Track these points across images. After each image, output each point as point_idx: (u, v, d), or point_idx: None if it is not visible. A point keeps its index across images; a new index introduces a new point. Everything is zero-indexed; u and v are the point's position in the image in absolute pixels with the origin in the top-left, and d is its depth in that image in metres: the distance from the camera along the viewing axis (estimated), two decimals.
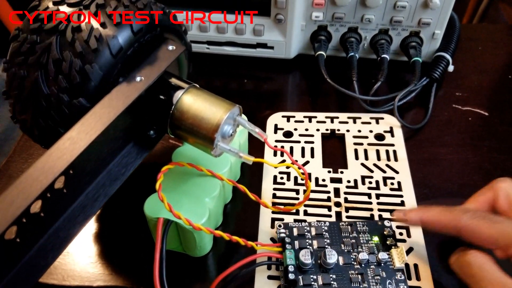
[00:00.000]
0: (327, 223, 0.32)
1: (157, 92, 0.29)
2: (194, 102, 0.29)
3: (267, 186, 0.36)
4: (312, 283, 0.29)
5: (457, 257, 0.27)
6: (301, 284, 0.29)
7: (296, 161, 0.35)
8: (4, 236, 0.21)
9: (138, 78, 0.28)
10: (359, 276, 0.29)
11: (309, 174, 0.36)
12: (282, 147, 0.39)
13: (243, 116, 0.32)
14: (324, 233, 0.31)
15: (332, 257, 0.29)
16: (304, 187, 0.35)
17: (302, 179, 0.36)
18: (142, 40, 0.29)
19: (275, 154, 0.38)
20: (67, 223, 0.26)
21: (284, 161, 0.38)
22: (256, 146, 0.37)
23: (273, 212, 0.34)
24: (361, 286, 0.28)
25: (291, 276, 0.28)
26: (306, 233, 0.31)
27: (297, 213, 0.34)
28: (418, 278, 0.29)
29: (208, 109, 0.28)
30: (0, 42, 0.46)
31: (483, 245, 0.26)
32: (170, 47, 0.31)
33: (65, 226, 0.25)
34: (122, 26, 0.28)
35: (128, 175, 0.30)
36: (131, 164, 0.30)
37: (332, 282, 0.29)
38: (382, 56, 0.43)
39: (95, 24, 0.27)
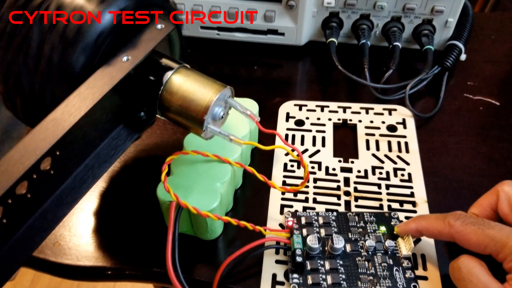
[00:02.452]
0: (335, 213, 0.32)
1: (146, 73, 0.29)
2: (184, 83, 0.28)
3: (277, 173, 0.36)
4: (319, 267, 0.29)
5: (451, 264, 0.28)
6: (309, 268, 0.29)
7: (303, 151, 0.35)
8: None
9: (124, 58, 0.27)
10: (366, 263, 0.29)
11: (320, 163, 0.37)
12: (293, 136, 0.39)
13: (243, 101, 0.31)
14: (331, 222, 0.32)
15: (340, 242, 0.29)
16: (313, 176, 0.36)
17: (303, 169, 0.36)
18: (128, 21, 0.28)
19: (287, 139, 0.39)
20: (55, 204, 0.26)
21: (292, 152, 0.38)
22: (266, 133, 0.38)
23: (282, 199, 0.35)
24: (368, 272, 0.29)
25: (299, 259, 0.29)
26: (313, 222, 0.32)
27: (306, 200, 0.34)
28: (425, 268, 0.30)
29: (197, 90, 0.28)
30: None
31: (474, 250, 0.27)
32: (159, 26, 0.29)
33: (53, 208, 0.26)
34: (103, 8, 0.27)
35: (118, 158, 0.30)
36: (121, 146, 0.30)
37: (339, 267, 0.29)
38: (394, 44, 0.43)
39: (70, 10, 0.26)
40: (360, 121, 0.40)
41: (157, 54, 0.29)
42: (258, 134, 0.38)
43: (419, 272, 0.30)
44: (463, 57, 0.44)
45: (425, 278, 0.29)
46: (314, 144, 0.38)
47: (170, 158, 0.31)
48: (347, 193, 0.35)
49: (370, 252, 0.30)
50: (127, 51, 0.28)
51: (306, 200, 0.34)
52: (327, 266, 0.29)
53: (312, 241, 0.29)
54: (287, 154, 0.38)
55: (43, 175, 0.24)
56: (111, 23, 0.27)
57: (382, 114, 0.40)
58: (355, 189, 0.35)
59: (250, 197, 0.36)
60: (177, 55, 0.35)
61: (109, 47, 0.28)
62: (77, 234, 0.34)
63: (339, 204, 0.34)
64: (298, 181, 0.36)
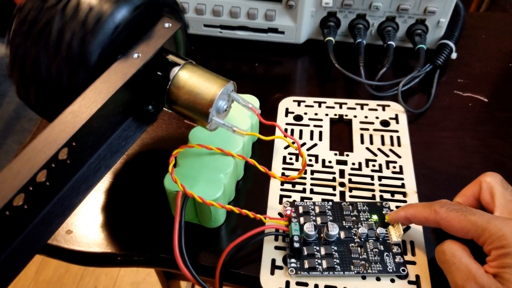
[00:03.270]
0: (330, 203, 0.34)
1: (154, 68, 0.30)
2: (190, 78, 0.30)
3: (277, 165, 0.38)
4: (315, 253, 0.31)
5: (437, 247, 0.30)
6: (305, 253, 0.31)
7: (301, 144, 0.37)
8: (13, 202, 0.23)
9: (135, 55, 0.29)
10: (359, 248, 0.32)
11: (317, 156, 0.39)
12: (292, 131, 0.41)
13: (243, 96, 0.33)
14: (327, 211, 0.34)
15: (334, 229, 0.32)
16: (311, 168, 0.38)
17: (300, 157, 0.39)
18: (140, 18, 0.30)
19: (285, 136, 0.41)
20: (71, 192, 0.28)
21: (293, 144, 0.40)
22: (267, 127, 0.40)
23: (281, 189, 0.37)
24: (360, 257, 0.31)
25: (296, 244, 0.31)
26: (310, 211, 0.34)
27: (303, 191, 0.37)
28: (413, 254, 0.32)
29: (203, 84, 0.30)
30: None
31: (458, 235, 0.29)
32: (167, 25, 0.32)
33: (69, 195, 0.27)
34: (121, 3, 0.29)
35: (128, 148, 0.32)
36: (131, 137, 0.32)
37: (333, 253, 0.31)
38: (389, 43, 0.45)
39: (93, 1, 0.28)
40: (355, 116, 0.42)
41: (164, 51, 0.31)
42: (258, 128, 0.40)
43: (408, 257, 0.32)
44: (454, 55, 0.46)
45: (413, 263, 0.32)
46: (311, 138, 0.40)
47: (177, 151, 0.33)
48: (342, 184, 0.37)
49: (362, 239, 0.32)
50: (138, 48, 0.30)
51: (304, 190, 0.37)
52: (323, 251, 0.31)
53: (308, 228, 0.31)
54: (286, 147, 0.40)
55: (60, 165, 0.26)
56: (127, 17, 0.29)
57: (376, 110, 0.42)
58: (350, 181, 0.37)
59: (251, 188, 0.38)
60: (182, 52, 0.37)
61: (123, 39, 0.30)
62: (88, 222, 0.36)
63: (334, 195, 0.36)
64: (296, 173, 0.38)
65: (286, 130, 0.41)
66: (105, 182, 0.39)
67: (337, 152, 0.39)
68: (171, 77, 0.30)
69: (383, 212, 0.34)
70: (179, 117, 0.43)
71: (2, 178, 0.23)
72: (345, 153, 0.39)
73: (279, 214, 0.35)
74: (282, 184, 0.37)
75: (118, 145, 0.31)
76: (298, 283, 0.31)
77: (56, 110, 0.29)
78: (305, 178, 0.37)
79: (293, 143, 0.34)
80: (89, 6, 0.28)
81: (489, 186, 0.30)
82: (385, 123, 0.41)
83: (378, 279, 0.31)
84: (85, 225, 0.36)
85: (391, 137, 0.40)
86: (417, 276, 0.31)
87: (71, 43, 0.28)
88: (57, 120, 0.26)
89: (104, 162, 0.30)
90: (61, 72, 0.29)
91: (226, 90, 0.31)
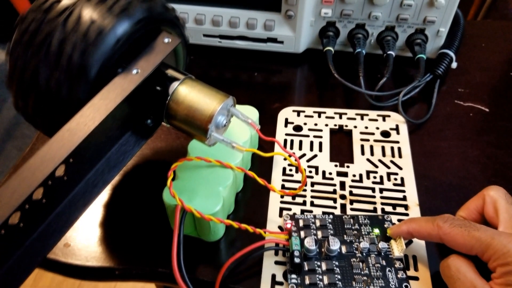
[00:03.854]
0: (331, 216, 0.34)
1: (153, 83, 0.30)
2: (189, 93, 0.30)
3: (276, 177, 0.38)
4: (316, 268, 0.31)
5: (441, 262, 0.29)
6: (306, 269, 0.31)
7: (294, 153, 0.37)
8: (8, 221, 0.23)
9: (134, 71, 0.29)
10: (361, 264, 0.31)
11: (317, 167, 0.39)
12: (291, 141, 0.41)
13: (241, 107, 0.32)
14: (328, 224, 0.33)
15: (335, 244, 0.31)
16: (311, 179, 0.38)
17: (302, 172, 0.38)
18: (141, 32, 0.30)
19: (284, 147, 0.41)
20: (68, 208, 0.27)
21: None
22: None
23: (281, 202, 0.36)
24: (362, 272, 0.31)
25: (297, 260, 0.31)
26: (311, 224, 0.33)
27: (304, 203, 0.36)
28: (416, 269, 0.32)
29: (202, 100, 0.30)
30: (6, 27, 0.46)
31: (461, 251, 0.28)
32: (166, 40, 0.31)
33: (66, 211, 0.27)
34: (122, 17, 0.29)
35: (126, 163, 0.32)
36: (130, 152, 0.32)
37: (335, 268, 0.31)
38: (388, 52, 0.45)
39: (95, 15, 0.28)
40: (355, 126, 0.42)
41: (164, 65, 0.31)
42: (258, 140, 0.40)
43: (411, 272, 0.32)
44: (454, 65, 0.46)
45: (416, 278, 0.31)
46: (311, 149, 0.40)
47: (175, 165, 0.32)
48: (342, 197, 0.37)
49: (364, 253, 0.32)
50: (137, 64, 0.30)
51: (304, 203, 0.36)
52: (324, 267, 0.31)
53: (309, 243, 0.31)
54: (286, 159, 0.39)
55: (57, 181, 0.25)
56: (128, 31, 0.29)
57: (376, 120, 0.42)
58: (350, 193, 0.37)
59: (251, 200, 0.37)
60: (181, 66, 0.36)
61: (124, 52, 0.30)
62: (86, 235, 0.36)
63: (335, 207, 0.36)
64: (296, 185, 0.37)
65: (285, 140, 0.41)
66: (103, 194, 0.38)
67: (338, 164, 0.39)
68: (170, 92, 0.30)
69: (385, 225, 0.33)
70: None
71: None
72: (346, 164, 0.39)
73: (279, 227, 0.35)
74: (282, 196, 0.37)
75: (116, 160, 0.31)
76: None
77: (54, 122, 0.29)
78: (305, 190, 0.37)
79: (293, 158, 0.33)
80: (91, 19, 0.28)
81: (492, 200, 0.30)
82: (385, 133, 0.41)
83: None
84: (83, 238, 0.36)
85: (392, 148, 0.40)
86: None
87: (71, 55, 0.28)
88: (54, 138, 0.26)
89: (102, 177, 0.30)
90: (60, 84, 0.28)
91: (225, 105, 0.30)
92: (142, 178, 0.40)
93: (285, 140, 0.41)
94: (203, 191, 0.32)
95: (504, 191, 0.31)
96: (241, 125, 0.37)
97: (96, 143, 0.28)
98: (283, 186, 0.37)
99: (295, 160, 0.34)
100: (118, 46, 0.29)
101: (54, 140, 0.25)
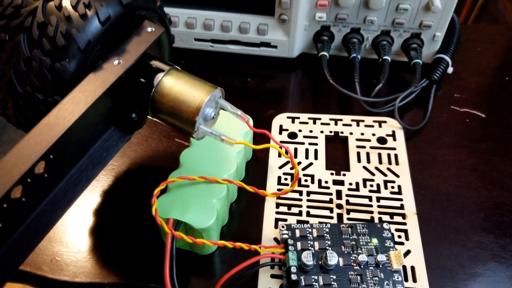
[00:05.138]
0: (328, 225, 0.33)
1: (137, 75, 0.29)
2: (175, 85, 0.29)
3: (271, 186, 0.37)
4: (314, 283, 0.30)
5: None
6: (303, 284, 0.30)
7: (287, 146, 0.36)
8: None
9: (116, 61, 0.28)
10: (358, 277, 0.30)
11: (312, 176, 0.38)
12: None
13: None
14: (325, 234, 0.33)
15: (333, 259, 0.30)
16: (306, 189, 0.37)
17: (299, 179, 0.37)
18: (116, 27, 0.29)
19: (279, 155, 0.40)
20: (50, 207, 0.26)
21: (290, 154, 0.39)
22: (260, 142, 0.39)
23: (276, 213, 0.35)
24: (360, 286, 0.30)
25: (294, 276, 0.30)
26: (308, 235, 0.33)
27: (300, 214, 0.35)
28: (414, 280, 0.31)
29: (189, 91, 0.28)
30: None
31: None
32: (149, 29, 0.30)
33: (47, 211, 0.26)
34: (97, 9, 0.27)
35: (111, 159, 0.30)
36: (113, 147, 0.30)
37: (332, 283, 0.30)
38: (384, 57, 0.44)
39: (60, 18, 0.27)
40: (351, 133, 0.41)
41: (147, 56, 0.30)
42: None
43: (409, 284, 0.31)
44: (450, 70, 0.45)
45: None
46: (307, 157, 0.39)
47: (158, 190, 0.30)
48: (339, 206, 0.36)
49: (362, 266, 0.31)
50: (118, 55, 0.28)
51: (300, 213, 0.35)
52: (321, 281, 0.30)
53: (306, 258, 0.30)
54: (280, 167, 0.39)
55: (37, 179, 0.24)
56: (100, 28, 0.27)
57: (372, 126, 0.41)
58: (347, 202, 0.36)
59: (245, 211, 0.36)
60: (166, 56, 0.35)
61: (100, 51, 0.28)
62: (74, 250, 0.34)
63: (331, 217, 0.35)
64: (292, 194, 0.37)
65: (257, 129, 0.39)
66: (92, 205, 0.37)
67: (334, 172, 0.38)
68: (155, 84, 0.29)
69: (383, 235, 0.33)
70: (169, 136, 0.42)
71: None
72: (342, 172, 0.38)
73: (275, 239, 0.34)
74: (277, 207, 0.36)
75: (100, 156, 0.29)
76: None
77: (38, 116, 0.27)
78: (301, 200, 0.36)
79: (284, 151, 0.32)
80: (57, 21, 0.27)
81: None
82: (382, 140, 0.40)
83: None
84: (72, 252, 0.34)
85: (389, 155, 0.39)
86: None
87: (42, 61, 0.26)
88: (31, 133, 0.24)
89: (85, 174, 0.28)
90: (35, 92, 0.27)
91: (213, 96, 0.29)
92: (132, 189, 0.38)
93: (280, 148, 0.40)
94: (196, 204, 0.31)
95: None
96: (232, 132, 0.35)
97: (77, 138, 0.27)
98: (278, 197, 0.37)
99: (287, 152, 0.32)
100: (91, 46, 0.27)
101: (31, 135, 0.24)
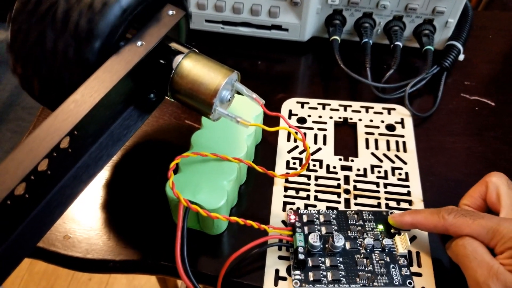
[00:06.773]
0: (335, 211, 0.34)
1: (157, 57, 0.30)
2: (194, 67, 0.30)
3: (280, 170, 0.38)
4: (320, 264, 0.31)
5: (455, 241, 0.29)
6: (310, 265, 0.31)
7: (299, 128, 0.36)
8: (14, 192, 0.23)
9: (139, 43, 0.29)
10: (365, 260, 0.31)
11: (321, 161, 0.38)
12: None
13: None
14: (332, 220, 0.33)
15: (340, 240, 0.31)
16: (315, 173, 0.37)
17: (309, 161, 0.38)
18: (145, 3, 0.29)
19: (288, 140, 0.40)
20: (72, 181, 0.27)
21: (299, 142, 0.39)
22: (271, 124, 0.39)
23: (284, 196, 0.36)
24: (366, 269, 0.31)
25: (301, 256, 0.31)
26: (315, 220, 0.33)
27: (308, 198, 0.36)
28: (419, 265, 0.32)
29: (207, 74, 0.29)
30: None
31: None
32: (171, 12, 0.31)
33: (70, 184, 0.27)
34: None
35: (130, 137, 0.31)
36: (133, 126, 0.31)
37: (339, 264, 0.31)
38: (396, 43, 0.44)
39: None
40: (360, 119, 0.41)
41: (168, 39, 0.31)
42: (261, 132, 0.39)
43: (414, 268, 0.32)
44: (461, 57, 0.45)
45: (419, 274, 0.31)
46: (315, 142, 0.40)
47: (174, 163, 0.31)
48: (347, 191, 0.36)
49: (368, 250, 0.32)
50: (141, 36, 0.29)
51: (308, 197, 0.36)
52: (328, 263, 0.31)
53: (313, 239, 0.31)
54: (289, 151, 0.39)
55: (62, 153, 0.25)
56: (133, 2, 0.28)
57: (381, 113, 0.41)
58: (355, 187, 0.36)
59: (254, 193, 0.37)
60: (183, 38, 0.35)
61: (128, 24, 0.29)
62: (86, 227, 0.35)
63: (339, 202, 0.35)
64: (300, 178, 0.37)
65: (289, 133, 0.40)
66: (105, 185, 0.38)
67: (342, 157, 0.38)
68: (175, 66, 0.30)
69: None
70: (180, 117, 0.42)
71: (4, 168, 0.23)
72: (350, 158, 0.38)
73: (283, 221, 0.34)
74: (285, 190, 0.36)
75: (120, 134, 0.31)
76: None
77: (61, 94, 0.28)
78: (309, 184, 0.37)
79: (297, 133, 0.32)
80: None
81: (495, 187, 0.31)
82: (390, 127, 0.40)
83: None
84: (84, 230, 0.35)
85: (397, 142, 0.39)
86: None
87: (78, 22, 0.27)
88: (59, 109, 0.25)
89: (106, 151, 0.29)
90: (68, 45, 0.28)
91: (230, 80, 0.30)
92: (145, 169, 0.39)
93: (289, 133, 0.40)
94: (207, 185, 0.32)
95: (505, 177, 0.31)
96: (244, 115, 0.35)
97: (100, 116, 0.28)
98: (286, 180, 0.37)
99: (299, 134, 0.32)
100: (125, 15, 0.28)
101: (59, 112, 0.25)
